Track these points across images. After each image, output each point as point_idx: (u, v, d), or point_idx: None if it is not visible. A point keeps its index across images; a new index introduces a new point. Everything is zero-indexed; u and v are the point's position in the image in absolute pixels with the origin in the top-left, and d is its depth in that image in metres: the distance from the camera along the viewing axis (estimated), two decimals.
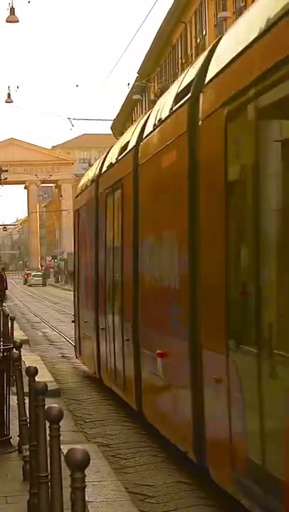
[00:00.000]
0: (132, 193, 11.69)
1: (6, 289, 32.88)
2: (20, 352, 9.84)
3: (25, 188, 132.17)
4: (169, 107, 9.64)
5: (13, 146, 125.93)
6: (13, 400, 9.63)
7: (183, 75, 9.53)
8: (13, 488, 7.95)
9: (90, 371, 16.97)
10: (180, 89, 9.20)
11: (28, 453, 7.83)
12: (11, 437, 9.67)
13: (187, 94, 8.65)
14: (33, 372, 7.81)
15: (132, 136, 12.41)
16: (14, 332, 18.55)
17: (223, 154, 7.01)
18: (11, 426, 9.71)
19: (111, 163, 14.26)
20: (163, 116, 9.99)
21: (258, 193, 6.15)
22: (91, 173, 17.44)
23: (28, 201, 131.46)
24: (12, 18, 34.75)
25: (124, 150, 12.81)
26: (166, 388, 9.70)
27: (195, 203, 8.07)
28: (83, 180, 19.04)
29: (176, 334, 8.89)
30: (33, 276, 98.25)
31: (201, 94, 8.04)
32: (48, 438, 5.52)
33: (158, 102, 11.20)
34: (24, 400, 8.86)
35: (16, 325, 21.07)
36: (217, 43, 8.03)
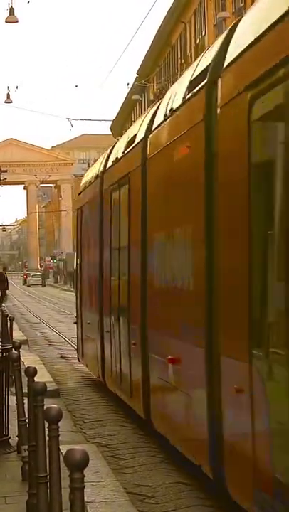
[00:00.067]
0: (140, 189, 11.06)
1: (7, 289, 32.94)
2: (19, 352, 9.83)
3: (24, 188, 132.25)
4: (182, 95, 9.00)
5: (13, 146, 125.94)
6: (12, 400, 9.62)
7: (197, 61, 8.89)
8: (12, 489, 7.94)
9: (92, 375, 16.44)
10: (194, 76, 8.56)
11: (27, 453, 7.83)
12: (9, 438, 9.67)
13: (203, 80, 8.00)
14: (32, 372, 7.80)
15: (140, 128, 11.76)
16: (13, 332, 18.53)
17: (246, 143, 6.38)
18: (9, 426, 9.71)
19: (117, 157, 13.59)
20: (175, 106, 9.34)
21: (288, 186, 5.62)
22: (95, 169, 16.81)
23: (27, 201, 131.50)
24: (11, 18, 34.71)
25: (132, 143, 12.18)
26: (179, 397, 8.97)
27: (213, 198, 7.45)
28: (86, 177, 18.42)
29: (191, 339, 8.25)
30: (32, 276, 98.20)
31: (220, 79, 7.38)
32: (47, 438, 5.51)
33: (168, 92, 10.55)
34: (23, 400, 8.85)
35: (15, 325, 21.07)
36: (235, 25, 7.44)
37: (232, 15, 35.61)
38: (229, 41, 7.34)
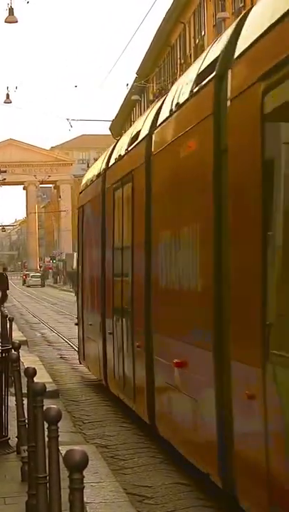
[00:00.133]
0: (144, 186, 10.71)
1: (8, 289, 32.82)
2: (18, 353, 9.81)
3: (23, 188, 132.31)
4: (189, 89, 8.64)
5: (12, 146, 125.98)
6: (12, 400, 9.61)
7: (204, 54, 8.56)
8: (11, 489, 7.93)
9: (94, 377, 16.20)
10: (201, 69, 8.22)
11: (26, 454, 7.83)
12: (9, 438, 9.66)
13: (212, 73, 7.64)
14: (31, 373, 7.80)
15: (144, 124, 11.38)
16: (13, 333, 18.51)
17: (259, 137, 6.07)
18: (9, 427, 9.70)
19: (120, 155, 13.21)
20: (181, 100, 8.98)
21: None
22: (96, 167, 16.50)
23: (26, 202, 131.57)
24: (11, 18, 34.70)
25: (135, 140, 11.78)
26: (186, 402, 8.54)
27: (223, 195, 7.13)
28: (88, 175, 18.08)
29: (199, 342, 7.90)
30: (32, 276, 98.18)
31: (230, 71, 7.04)
32: (46, 439, 5.51)
33: (174, 86, 10.17)
34: (23, 400, 8.84)
35: (14, 326, 21.05)
36: (246, 15, 7.12)
37: (231, 15, 35.60)
38: (239, 32, 7.02)
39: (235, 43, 7.02)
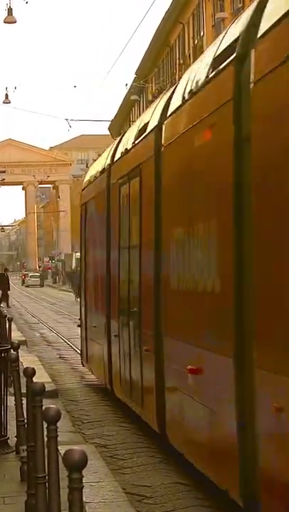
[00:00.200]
0: (154, 181, 10.07)
1: (9, 289, 32.87)
2: (18, 353, 9.82)
3: (22, 189, 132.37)
4: (204, 74, 7.98)
5: (11, 146, 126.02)
6: (11, 400, 9.62)
7: (220, 37, 7.93)
8: (10, 489, 7.94)
9: (98, 381, 15.60)
10: (218, 52, 7.58)
11: (25, 454, 7.84)
12: (8, 438, 9.67)
13: (231, 55, 7.03)
14: (30, 373, 7.80)
15: (152, 115, 10.70)
16: (12, 333, 18.51)
17: (288, 121, 5.59)
18: (8, 427, 9.70)
19: (126, 148, 12.57)
20: (196, 87, 8.34)
21: None
22: (100, 162, 15.79)
23: (25, 202, 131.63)
24: (10, 18, 34.70)
25: (143, 132, 11.11)
26: (201, 412, 7.83)
27: (244, 187, 6.51)
28: (91, 171, 17.36)
29: (217, 347, 7.22)
30: (31, 277, 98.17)
31: (253, 51, 6.42)
32: (45, 439, 5.51)
33: (185, 75, 9.59)
34: (22, 400, 8.84)
35: (13, 326, 21.05)
36: None
37: (230, 15, 35.60)
38: (263, 9, 6.46)
39: (259, 21, 6.46)
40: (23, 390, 8.33)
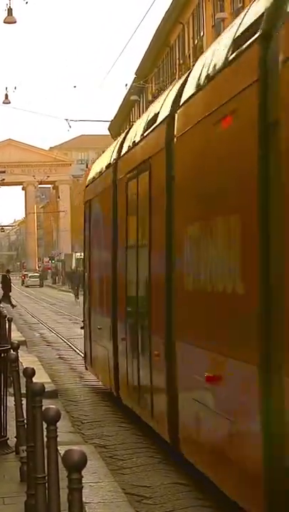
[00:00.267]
0: (165, 174, 9.42)
1: (10, 291, 32.87)
2: (17, 353, 9.82)
3: (22, 189, 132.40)
4: (223, 58, 7.27)
5: (11, 147, 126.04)
6: (11, 401, 9.62)
7: (241, 15, 7.27)
8: (10, 490, 7.94)
9: (103, 386, 14.92)
10: (240, 32, 6.93)
11: (25, 454, 7.84)
12: (8, 438, 9.67)
13: (254, 34, 6.35)
14: (30, 373, 7.80)
15: (163, 106, 10.10)
16: (12, 333, 18.52)
17: None
18: (8, 427, 9.70)
19: (134, 141, 11.85)
20: (213, 71, 7.63)
21: None
22: (105, 157, 15.06)
23: (25, 202, 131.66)
24: (10, 18, 34.69)
25: (153, 123, 10.46)
26: (222, 425, 7.11)
27: (271, 180, 5.90)
28: (95, 167, 16.61)
29: (239, 353, 6.56)
30: (30, 277, 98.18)
31: (283, 27, 5.74)
32: (45, 439, 5.51)
33: (199, 61, 8.88)
34: (21, 401, 8.84)
35: (13, 326, 21.05)
36: None
37: (230, 16, 35.60)
38: None
39: None
40: (23, 391, 8.33)
